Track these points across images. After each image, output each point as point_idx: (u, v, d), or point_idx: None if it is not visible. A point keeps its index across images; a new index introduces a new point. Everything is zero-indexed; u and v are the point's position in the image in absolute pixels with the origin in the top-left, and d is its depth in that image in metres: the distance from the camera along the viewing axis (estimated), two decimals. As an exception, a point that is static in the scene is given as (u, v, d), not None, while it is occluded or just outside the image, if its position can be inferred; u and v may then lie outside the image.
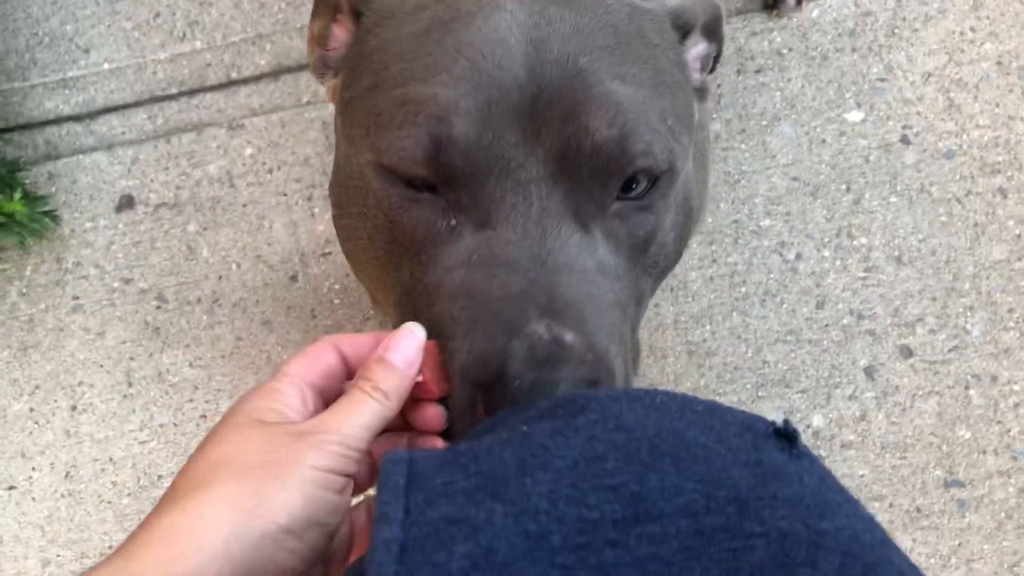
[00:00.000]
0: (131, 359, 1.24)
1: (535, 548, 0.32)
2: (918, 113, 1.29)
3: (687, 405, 0.40)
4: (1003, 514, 1.17)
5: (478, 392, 0.46)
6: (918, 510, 1.18)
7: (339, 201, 0.57)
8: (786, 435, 0.40)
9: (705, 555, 0.33)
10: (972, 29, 1.32)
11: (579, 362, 0.45)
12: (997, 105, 1.30)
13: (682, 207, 0.57)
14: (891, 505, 1.18)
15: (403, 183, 0.50)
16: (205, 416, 1.22)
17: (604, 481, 0.34)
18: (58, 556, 1.19)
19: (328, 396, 0.46)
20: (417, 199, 0.50)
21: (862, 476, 1.19)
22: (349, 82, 0.56)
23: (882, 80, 1.31)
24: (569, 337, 0.45)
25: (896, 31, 1.32)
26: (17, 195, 1.16)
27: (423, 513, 0.33)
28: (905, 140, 1.29)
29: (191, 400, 1.23)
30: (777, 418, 1.18)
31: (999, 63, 1.31)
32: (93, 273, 1.27)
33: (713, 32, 0.63)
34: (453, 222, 0.49)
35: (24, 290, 1.26)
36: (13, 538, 1.20)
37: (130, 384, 1.23)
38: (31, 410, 1.23)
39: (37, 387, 1.23)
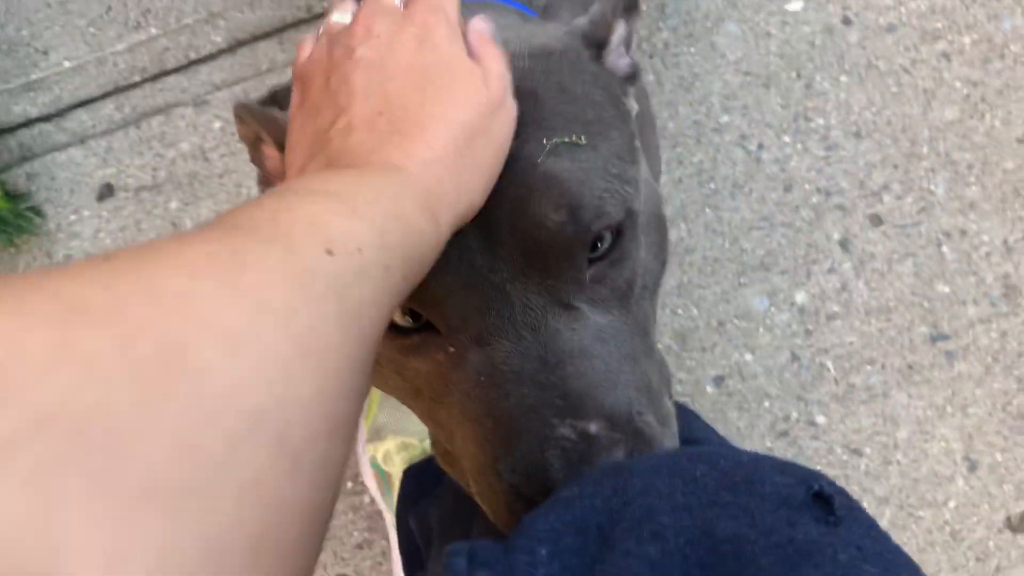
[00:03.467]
0: (133, 338, 1.27)
1: None
2: (855, -6, 1.34)
3: (726, 479, 0.41)
4: (990, 358, 1.21)
5: (528, 505, 0.47)
6: (909, 367, 1.22)
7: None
8: (824, 499, 0.39)
9: None
10: (895, -93, 1.36)
11: (610, 446, 0.46)
12: (929, -25, 1.34)
13: (651, 226, 0.56)
14: (883, 367, 1.22)
15: (395, 330, 0.50)
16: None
17: None
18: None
19: None
20: (412, 343, 0.51)
21: (851, 343, 1.23)
22: None
23: (816, -32, 1.35)
24: (593, 427, 0.46)
25: (823, -80, 1.36)
26: (-1, 193, 1.20)
27: None
28: (846, 21, 1.33)
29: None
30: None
31: (925, -65, 1.35)
32: (84, 262, 1.30)
33: (630, 8, 0.59)
34: (451, 348, 0.50)
35: (20, 288, 1.29)
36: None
37: (136, 362, 1.27)
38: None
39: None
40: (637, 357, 0.51)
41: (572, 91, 0.52)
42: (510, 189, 0.48)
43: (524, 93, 0.50)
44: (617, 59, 0.58)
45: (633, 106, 0.59)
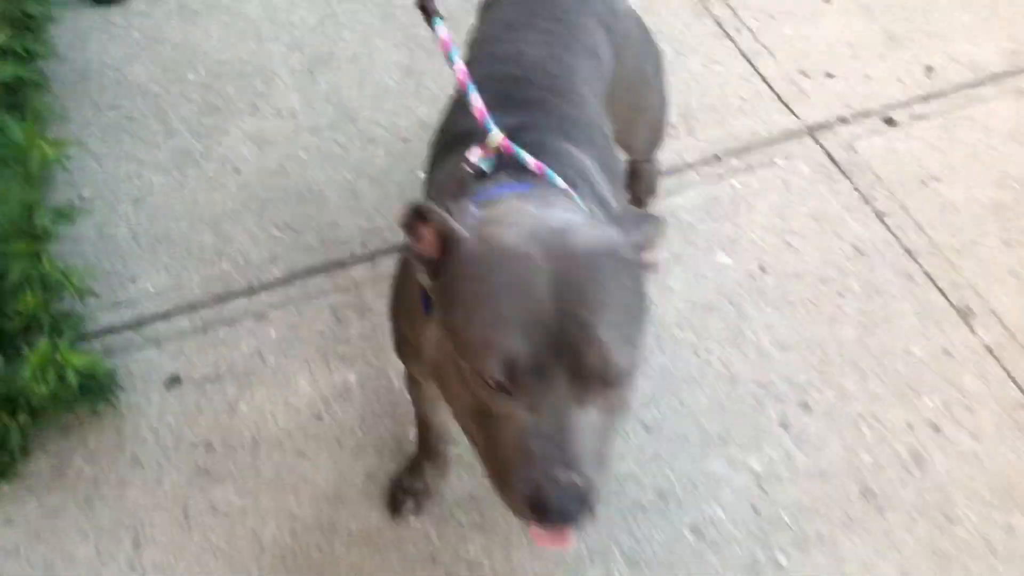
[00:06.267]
0: (187, 497, 1.45)
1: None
2: (766, 252, 1.79)
3: None
4: (913, 510, 1.47)
5: (533, 507, 0.81)
6: (849, 518, 1.46)
7: (438, 370, 0.93)
8: None
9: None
10: (786, 204, 1.88)
11: (579, 490, 0.80)
12: (819, 244, 1.81)
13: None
14: (828, 519, 1.46)
15: (485, 382, 0.83)
16: (256, 534, 1.41)
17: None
18: (126, 675, 1.29)
19: None
20: (493, 392, 0.84)
21: (800, 500, 1.48)
22: (448, 307, 0.90)
23: (735, 235, 1.82)
24: (575, 478, 0.80)
25: (738, 207, 1.86)
26: (95, 360, 1.45)
27: None
28: (763, 269, 1.76)
29: (243, 524, 1.43)
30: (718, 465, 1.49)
31: (815, 219, 1.85)
32: (149, 436, 1.51)
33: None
34: (512, 405, 0.83)
35: (88, 456, 1.48)
36: (82, 666, 1.29)
37: (187, 517, 1.43)
38: (97, 551, 1.39)
39: (101, 530, 1.41)
40: (607, 438, 0.86)
41: (624, 284, 0.87)
42: (577, 340, 0.81)
43: (599, 287, 0.84)
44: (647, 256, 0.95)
45: (647, 291, 0.93)
